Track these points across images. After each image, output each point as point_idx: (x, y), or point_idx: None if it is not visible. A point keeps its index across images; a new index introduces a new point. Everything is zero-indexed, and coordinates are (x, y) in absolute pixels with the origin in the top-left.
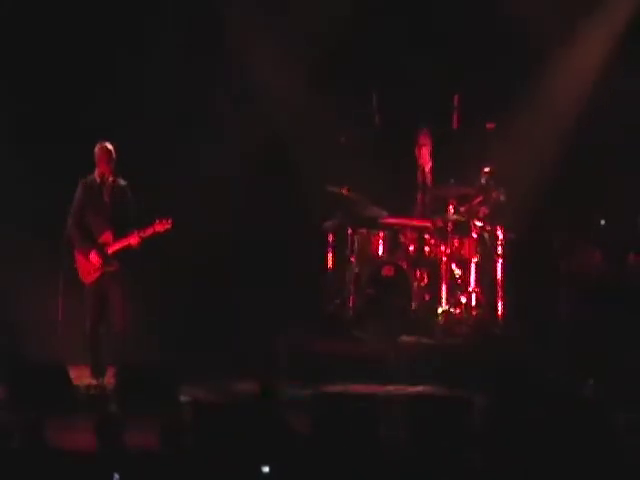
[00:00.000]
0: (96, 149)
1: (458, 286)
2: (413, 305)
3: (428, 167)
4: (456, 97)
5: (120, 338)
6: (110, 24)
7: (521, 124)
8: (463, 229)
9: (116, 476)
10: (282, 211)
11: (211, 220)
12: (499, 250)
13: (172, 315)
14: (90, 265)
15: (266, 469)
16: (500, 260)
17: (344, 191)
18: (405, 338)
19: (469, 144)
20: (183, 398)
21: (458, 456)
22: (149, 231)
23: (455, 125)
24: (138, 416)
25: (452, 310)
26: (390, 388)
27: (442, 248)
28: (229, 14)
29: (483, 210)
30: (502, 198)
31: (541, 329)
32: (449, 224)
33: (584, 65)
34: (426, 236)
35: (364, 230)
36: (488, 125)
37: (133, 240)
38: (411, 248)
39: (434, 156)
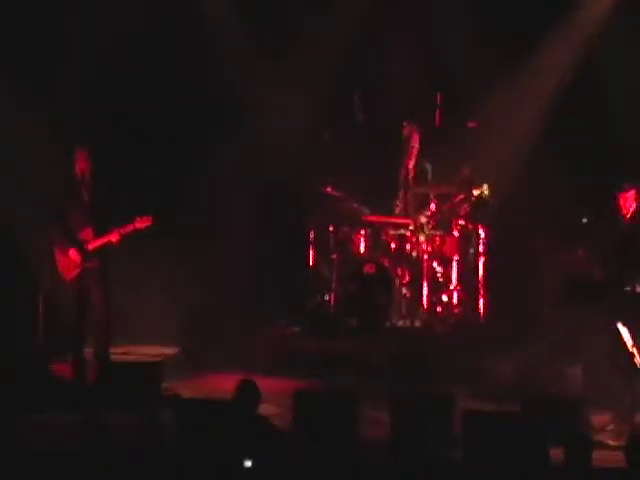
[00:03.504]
0: (78, 148)
1: (439, 284)
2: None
3: (411, 165)
4: (438, 95)
5: (102, 334)
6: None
7: (504, 122)
8: (445, 227)
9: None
10: (265, 209)
11: (196, 217)
12: (481, 248)
13: (156, 312)
14: (70, 262)
15: (248, 464)
16: (482, 258)
17: (327, 189)
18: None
19: (451, 142)
20: (166, 395)
21: (440, 454)
22: (129, 228)
23: (438, 123)
24: (121, 413)
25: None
26: (372, 385)
27: (424, 246)
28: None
29: (465, 208)
30: (484, 196)
31: (524, 327)
32: (431, 222)
33: (565, 62)
34: (408, 234)
35: (346, 228)
36: (470, 123)
37: (113, 237)
38: (393, 246)
39: (419, 154)
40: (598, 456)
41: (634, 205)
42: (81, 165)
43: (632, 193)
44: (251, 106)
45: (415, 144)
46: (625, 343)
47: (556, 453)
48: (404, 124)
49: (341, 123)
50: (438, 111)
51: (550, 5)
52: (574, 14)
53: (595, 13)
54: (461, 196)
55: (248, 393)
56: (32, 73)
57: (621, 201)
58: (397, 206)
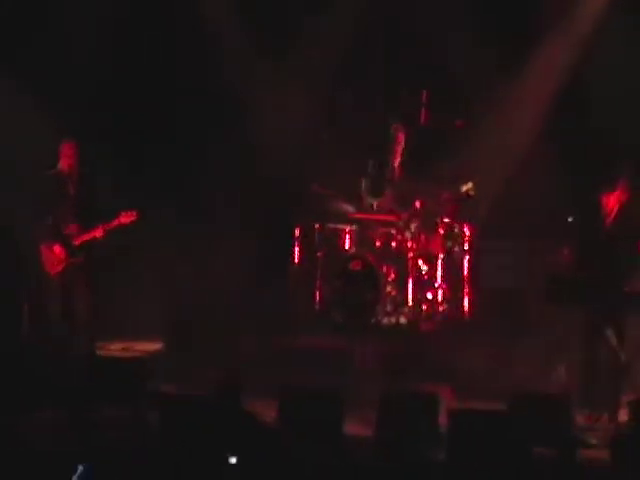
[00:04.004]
0: (63, 143)
1: (425, 282)
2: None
3: (397, 163)
4: (424, 93)
5: (85, 330)
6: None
7: (490, 122)
8: (430, 225)
9: (80, 468)
10: (252, 206)
11: (187, 216)
12: (466, 246)
13: (140, 310)
14: (55, 257)
15: (233, 460)
16: (467, 256)
17: (313, 187)
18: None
19: (438, 141)
20: (152, 391)
21: (421, 453)
22: (114, 223)
23: (424, 121)
24: (106, 407)
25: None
26: (358, 382)
27: (409, 244)
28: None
29: (450, 206)
30: (470, 195)
31: (509, 326)
32: (416, 220)
33: (554, 64)
34: (393, 231)
35: (332, 225)
36: (457, 122)
37: (98, 233)
38: (378, 243)
39: (406, 152)
40: (584, 454)
41: (617, 206)
42: (67, 160)
43: (616, 194)
44: (250, 106)
45: (400, 143)
46: (610, 342)
47: (542, 452)
48: (391, 124)
49: (334, 122)
50: (425, 110)
51: (548, 4)
52: (572, 12)
53: (592, 11)
54: (447, 195)
55: (232, 388)
56: (32, 72)
57: (604, 202)
58: (383, 204)
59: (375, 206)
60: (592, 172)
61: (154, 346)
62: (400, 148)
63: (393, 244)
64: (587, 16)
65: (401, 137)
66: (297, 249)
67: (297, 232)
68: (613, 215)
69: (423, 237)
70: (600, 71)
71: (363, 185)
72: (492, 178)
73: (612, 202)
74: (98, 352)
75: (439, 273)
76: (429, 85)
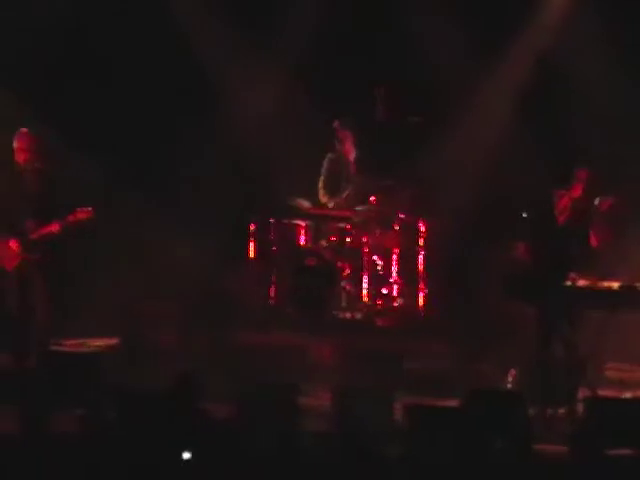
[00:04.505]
0: (18, 135)
1: (380, 277)
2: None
3: (352, 158)
4: (381, 89)
5: (43, 326)
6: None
7: (448, 118)
8: (385, 220)
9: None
10: (207, 203)
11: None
12: (421, 242)
13: (96, 307)
14: (9, 251)
15: (187, 455)
16: (422, 252)
17: (269, 182)
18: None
19: (395, 136)
20: (110, 386)
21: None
22: (70, 219)
23: (380, 117)
24: (61, 403)
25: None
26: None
27: (364, 239)
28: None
29: (406, 201)
30: (426, 190)
31: (465, 320)
32: (371, 215)
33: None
34: (348, 227)
35: (287, 220)
36: (414, 118)
37: (54, 228)
38: (333, 239)
39: (358, 147)
40: (540, 450)
41: (570, 203)
42: (22, 153)
43: (570, 191)
44: (212, 104)
45: (346, 139)
46: (565, 338)
47: (497, 447)
48: (336, 124)
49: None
50: (381, 105)
51: None
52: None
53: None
54: (402, 190)
55: (186, 385)
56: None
57: (558, 198)
58: (338, 199)
59: (331, 202)
60: (547, 169)
61: (109, 342)
62: (349, 144)
63: (348, 239)
64: (554, 11)
65: (345, 134)
66: (252, 244)
67: (252, 227)
68: (567, 212)
69: (378, 233)
70: (562, 70)
71: (319, 181)
72: (444, 171)
73: (566, 199)
74: (54, 348)
75: (394, 269)
76: (387, 80)
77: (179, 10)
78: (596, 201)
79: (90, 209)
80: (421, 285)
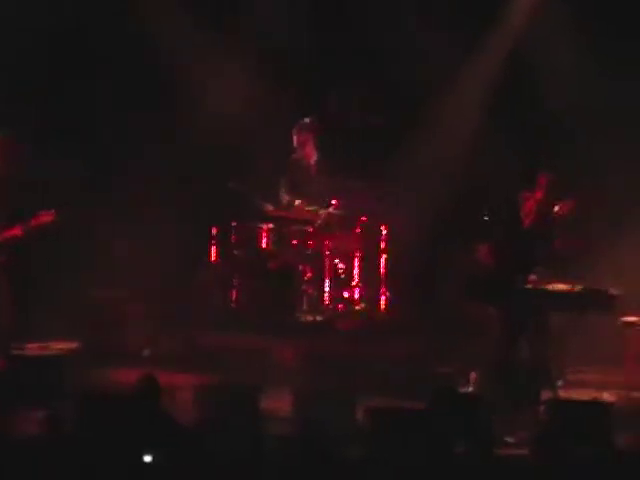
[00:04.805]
0: None
1: (341, 280)
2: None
3: (313, 160)
4: (344, 92)
5: (7, 329)
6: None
7: (411, 119)
8: (347, 223)
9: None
10: (170, 205)
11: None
12: (382, 245)
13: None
14: None
15: (148, 458)
16: (384, 255)
17: (230, 185)
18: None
19: (357, 138)
20: (72, 388)
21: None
22: (33, 222)
23: (342, 119)
24: (23, 405)
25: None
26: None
27: (326, 242)
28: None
29: (368, 205)
30: (388, 192)
31: (427, 324)
32: (333, 218)
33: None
34: (310, 230)
35: (249, 223)
36: (376, 121)
37: (17, 231)
38: (295, 242)
39: (320, 149)
40: (502, 453)
41: (535, 206)
42: None
43: (535, 194)
44: (172, 104)
45: (306, 141)
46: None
47: (460, 450)
48: (297, 126)
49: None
50: (343, 107)
51: None
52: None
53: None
54: (365, 193)
55: (149, 387)
56: None
57: (523, 201)
58: (300, 202)
59: (293, 204)
60: (514, 171)
61: (72, 344)
62: (310, 146)
63: (310, 242)
64: (524, 6)
65: (306, 136)
66: (214, 248)
67: (214, 231)
68: (532, 215)
69: (340, 236)
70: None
71: (282, 183)
72: (407, 173)
73: (531, 202)
74: (15, 351)
75: (356, 272)
76: (353, 79)
77: (145, 8)
78: (557, 205)
79: (53, 212)
80: (383, 288)
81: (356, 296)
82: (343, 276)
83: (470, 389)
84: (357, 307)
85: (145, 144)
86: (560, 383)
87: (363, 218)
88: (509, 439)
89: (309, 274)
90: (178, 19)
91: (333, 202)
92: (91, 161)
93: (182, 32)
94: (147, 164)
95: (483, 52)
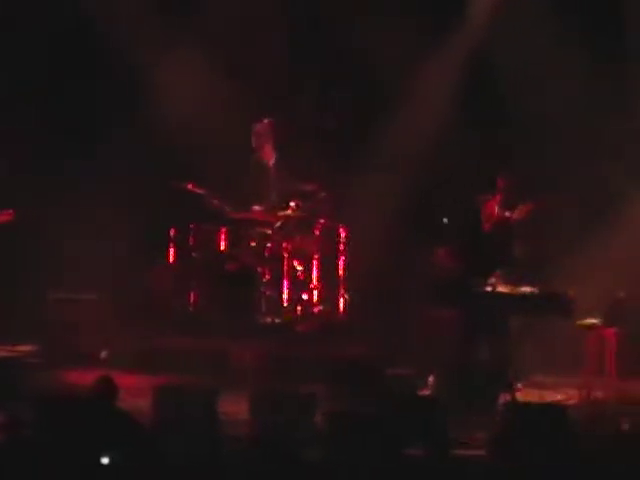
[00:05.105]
0: None
1: (300, 283)
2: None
3: (271, 162)
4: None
5: None
6: None
7: (372, 121)
8: (306, 225)
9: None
10: (129, 205)
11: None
12: (341, 247)
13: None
14: None
15: (105, 461)
16: (342, 257)
17: (188, 186)
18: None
19: (316, 139)
20: (29, 390)
21: (296, 453)
22: None
23: (302, 121)
24: None
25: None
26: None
27: (284, 244)
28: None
29: (326, 207)
30: (347, 195)
31: (385, 326)
32: (292, 220)
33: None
34: (269, 232)
35: (207, 225)
36: (328, 124)
37: None
38: (253, 244)
39: (279, 151)
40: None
41: (495, 210)
42: None
43: (495, 199)
44: (132, 104)
45: (266, 142)
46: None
47: (415, 452)
48: (256, 128)
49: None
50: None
51: None
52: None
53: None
54: (323, 195)
55: (106, 389)
56: None
57: (483, 205)
58: (259, 204)
59: (251, 206)
60: (472, 174)
61: (29, 347)
62: (268, 148)
63: (269, 244)
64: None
65: (264, 138)
66: (172, 249)
67: (172, 232)
68: (492, 218)
69: (299, 238)
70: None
71: (241, 185)
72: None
73: (491, 205)
74: None
75: (314, 274)
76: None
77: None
78: (516, 207)
79: (11, 212)
80: (341, 290)
81: (315, 298)
82: (302, 278)
83: (428, 391)
84: (316, 309)
85: (103, 144)
86: (518, 385)
87: (322, 220)
88: (466, 441)
89: (268, 276)
90: (134, 16)
91: (292, 204)
92: (45, 160)
93: (140, 30)
94: (104, 163)
95: (445, 52)
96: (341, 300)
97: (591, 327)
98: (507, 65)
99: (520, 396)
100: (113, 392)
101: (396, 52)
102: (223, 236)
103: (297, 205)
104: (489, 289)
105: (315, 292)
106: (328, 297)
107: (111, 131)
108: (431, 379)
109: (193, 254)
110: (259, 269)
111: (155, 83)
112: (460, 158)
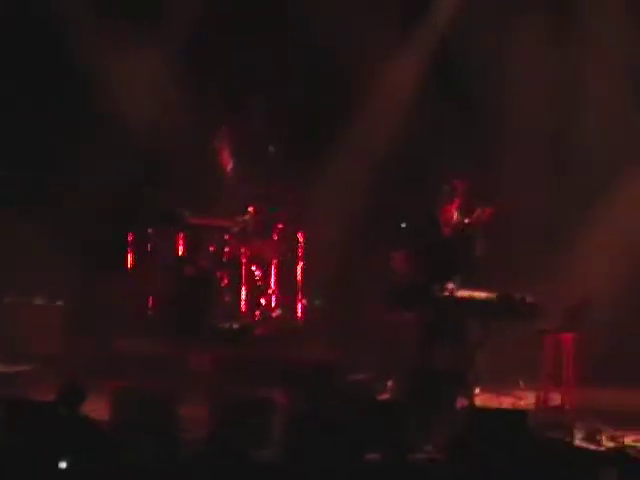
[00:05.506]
0: None
1: (258, 288)
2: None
3: (229, 167)
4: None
5: None
6: None
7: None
8: (264, 231)
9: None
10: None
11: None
12: (300, 252)
13: None
14: None
15: (63, 465)
16: (300, 262)
17: (147, 189)
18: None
19: (275, 145)
20: None
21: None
22: None
23: (259, 126)
24: None
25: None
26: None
27: (242, 249)
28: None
29: (292, 209)
30: (306, 199)
31: (344, 330)
32: (250, 225)
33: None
34: (227, 237)
35: (166, 229)
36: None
37: None
38: (212, 248)
39: (237, 156)
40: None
41: (455, 214)
42: None
43: (454, 203)
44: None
45: (225, 150)
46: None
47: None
48: (213, 134)
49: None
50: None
51: None
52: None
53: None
54: (283, 200)
55: (71, 393)
56: None
57: (442, 209)
58: (218, 208)
59: (209, 211)
60: (434, 179)
61: None
62: (226, 154)
63: (227, 249)
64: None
65: (221, 144)
66: (130, 254)
67: (130, 237)
68: (452, 223)
69: (257, 243)
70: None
71: (202, 189)
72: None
73: (451, 209)
74: None
75: (273, 279)
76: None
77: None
78: (476, 212)
79: None
80: (299, 295)
81: (273, 303)
82: (260, 283)
83: (387, 395)
84: (274, 314)
85: (62, 148)
86: (476, 390)
87: (280, 225)
88: (425, 445)
89: (226, 281)
90: (93, 18)
91: (250, 209)
92: (9, 162)
93: (99, 32)
94: (63, 168)
95: (408, 50)
96: (299, 305)
97: (550, 331)
98: (470, 65)
99: (478, 401)
100: (80, 396)
101: (359, 51)
102: (181, 241)
103: (255, 210)
104: (448, 294)
105: (273, 297)
106: (286, 302)
107: (75, 136)
108: (390, 383)
109: (151, 259)
110: (217, 274)
111: (115, 86)
112: (419, 162)
